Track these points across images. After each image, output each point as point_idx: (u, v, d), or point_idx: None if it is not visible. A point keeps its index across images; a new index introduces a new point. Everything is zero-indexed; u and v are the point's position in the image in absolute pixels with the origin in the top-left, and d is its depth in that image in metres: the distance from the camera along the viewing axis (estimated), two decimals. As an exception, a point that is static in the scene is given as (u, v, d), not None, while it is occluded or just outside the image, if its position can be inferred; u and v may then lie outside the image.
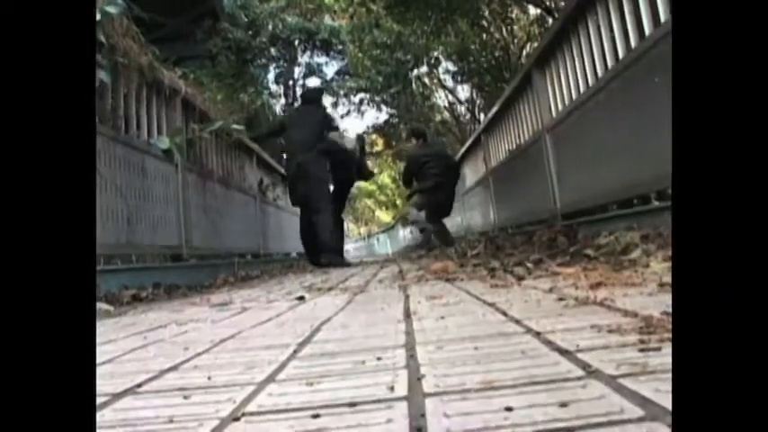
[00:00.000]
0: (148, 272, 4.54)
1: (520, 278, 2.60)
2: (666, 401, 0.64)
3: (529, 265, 3.19)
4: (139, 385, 1.05)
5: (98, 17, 3.80)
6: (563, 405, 0.67)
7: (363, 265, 7.37)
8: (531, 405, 0.69)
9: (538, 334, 1.14)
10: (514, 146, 7.03)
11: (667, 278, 1.70)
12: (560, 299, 1.64)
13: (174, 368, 1.17)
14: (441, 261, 4.99)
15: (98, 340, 1.77)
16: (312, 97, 8.11)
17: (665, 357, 0.84)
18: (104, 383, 1.09)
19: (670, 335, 0.96)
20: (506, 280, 2.58)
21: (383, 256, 10.40)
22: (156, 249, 4.95)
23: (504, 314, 1.48)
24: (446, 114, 19.41)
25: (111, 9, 3.94)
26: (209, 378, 1.04)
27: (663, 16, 3.21)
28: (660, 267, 2.07)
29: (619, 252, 2.87)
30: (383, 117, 23.49)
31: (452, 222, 12.78)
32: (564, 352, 0.96)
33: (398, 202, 37.28)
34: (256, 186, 8.66)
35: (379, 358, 1.08)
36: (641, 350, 0.90)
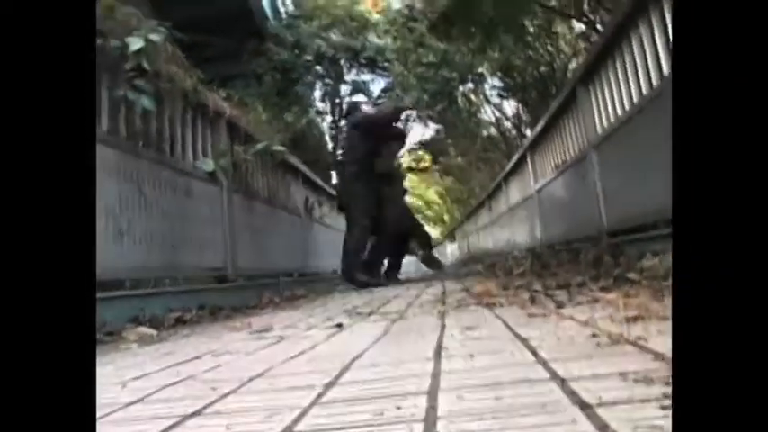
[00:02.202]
0: (194, 294, 4.61)
1: (559, 305, 2.55)
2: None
3: (570, 289, 3.13)
4: (161, 433, 1.06)
5: (142, 45, 3.90)
6: (568, 480, 0.65)
7: (408, 284, 7.35)
8: (537, 478, 0.67)
9: (563, 381, 1.11)
10: (560, 162, 6.95)
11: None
12: (594, 335, 1.60)
13: (197, 413, 1.18)
14: (485, 282, 4.95)
15: (134, 373, 1.80)
16: None
17: (686, 418, 0.81)
18: (128, 429, 1.11)
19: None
20: (545, 307, 2.54)
21: (431, 273, 10.38)
22: (201, 271, 5.02)
23: (535, 353, 1.45)
24: (492, 130, 19.30)
25: (155, 37, 4.05)
26: (227, 428, 1.04)
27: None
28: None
29: (661, 276, 2.80)
30: (429, 133, 23.60)
31: (498, 238, 12.69)
32: (585, 406, 0.93)
33: (446, 217, 37.20)
34: (302, 205, 8.75)
35: (398, 407, 1.07)
36: (662, 407, 0.87)
